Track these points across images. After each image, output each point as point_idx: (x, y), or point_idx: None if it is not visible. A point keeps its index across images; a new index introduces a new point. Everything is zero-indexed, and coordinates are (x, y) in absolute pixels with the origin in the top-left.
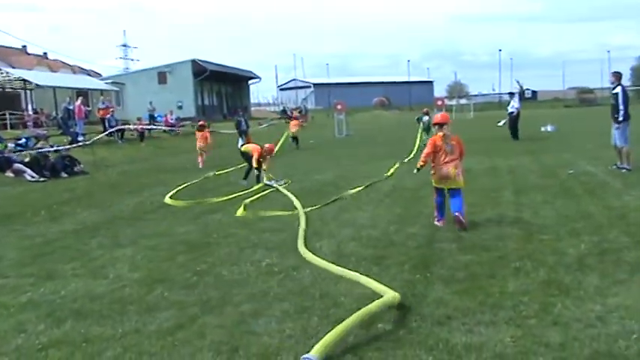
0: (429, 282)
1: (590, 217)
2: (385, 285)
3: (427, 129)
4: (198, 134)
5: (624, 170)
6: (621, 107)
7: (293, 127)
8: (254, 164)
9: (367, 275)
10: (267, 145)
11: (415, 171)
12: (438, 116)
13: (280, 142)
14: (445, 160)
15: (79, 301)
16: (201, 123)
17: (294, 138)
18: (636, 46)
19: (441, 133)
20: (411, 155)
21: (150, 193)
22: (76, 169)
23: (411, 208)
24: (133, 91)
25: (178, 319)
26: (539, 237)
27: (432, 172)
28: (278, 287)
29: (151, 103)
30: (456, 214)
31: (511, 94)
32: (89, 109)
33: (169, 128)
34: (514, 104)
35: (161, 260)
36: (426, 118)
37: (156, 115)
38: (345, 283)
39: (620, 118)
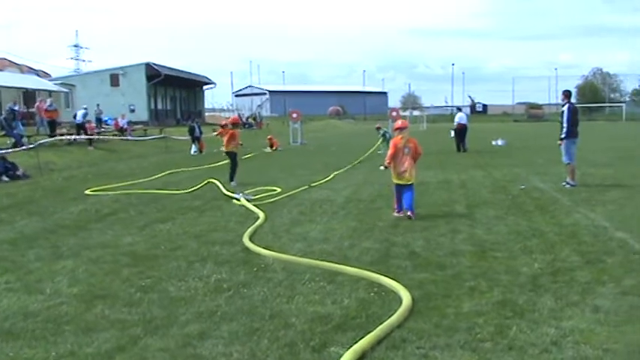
0: (384, 301)
1: (542, 235)
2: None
3: (384, 137)
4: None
5: (568, 186)
6: (564, 125)
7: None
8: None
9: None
10: (230, 119)
11: (382, 168)
12: (398, 122)
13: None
14: (403, 160)
15: (10, 319)
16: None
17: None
18: (581, 65)
19: (400, 136)
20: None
21: (96, 200)
22: (18, 172)
23: (365, 220)
24: (83, 93)
25: (118, 340)
26: (493, 254)
27: (393, 169)
28: (226, 306)
29: (98, 105)
30: (409, 213)
31: (458, 108)
32: (33, 110)
33: (117, 134)
34: (461, 118)
35: (104, 274)
36: (381, 130)
37: (105, 119)
38: (298, 301)
39: (562, 135)
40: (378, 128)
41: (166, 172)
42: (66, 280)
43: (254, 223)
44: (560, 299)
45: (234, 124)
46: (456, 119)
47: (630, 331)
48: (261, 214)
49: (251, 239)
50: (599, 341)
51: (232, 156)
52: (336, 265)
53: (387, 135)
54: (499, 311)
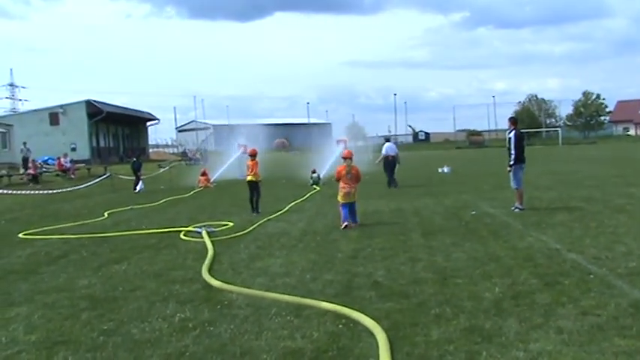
0: (353, 333)
1: (499, 260)
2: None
3: (316, 183)
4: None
5: (517, 210)
6: (512, 151)
7: None
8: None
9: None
10: (249, 150)
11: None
12: (344, 152)
13: None
14: (347, 184)
15: None
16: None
17: None
18: (515, 92)
19: (345, 164)
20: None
21: (44, 243)
22: None
23: (324, 253)
24: (21, 132)
25: None
26: (454, 281)
27: (339, 191)
28: (194, 345)
29: (25, 144)
30: (352, 224)
31: (386, 139)
32: None
33: (59, 174)
34: (389, 148)
35: (62, 319)
36: (315, 175)
37: (45, 158)
38: (267, 337)
39: (511, 162)
40: (314, 172)
41: (113, 210)
42: (22, 327)
43: (207, 259)
44: (525, 322)
45: (253, 155)
46: (383, 151)
47: (595, 350)
48: (210, 247)
49: (211, 275)
50: None
51: (257, 185)
52: (308, 301)
53: (312, 176)
54: (467, 337)
